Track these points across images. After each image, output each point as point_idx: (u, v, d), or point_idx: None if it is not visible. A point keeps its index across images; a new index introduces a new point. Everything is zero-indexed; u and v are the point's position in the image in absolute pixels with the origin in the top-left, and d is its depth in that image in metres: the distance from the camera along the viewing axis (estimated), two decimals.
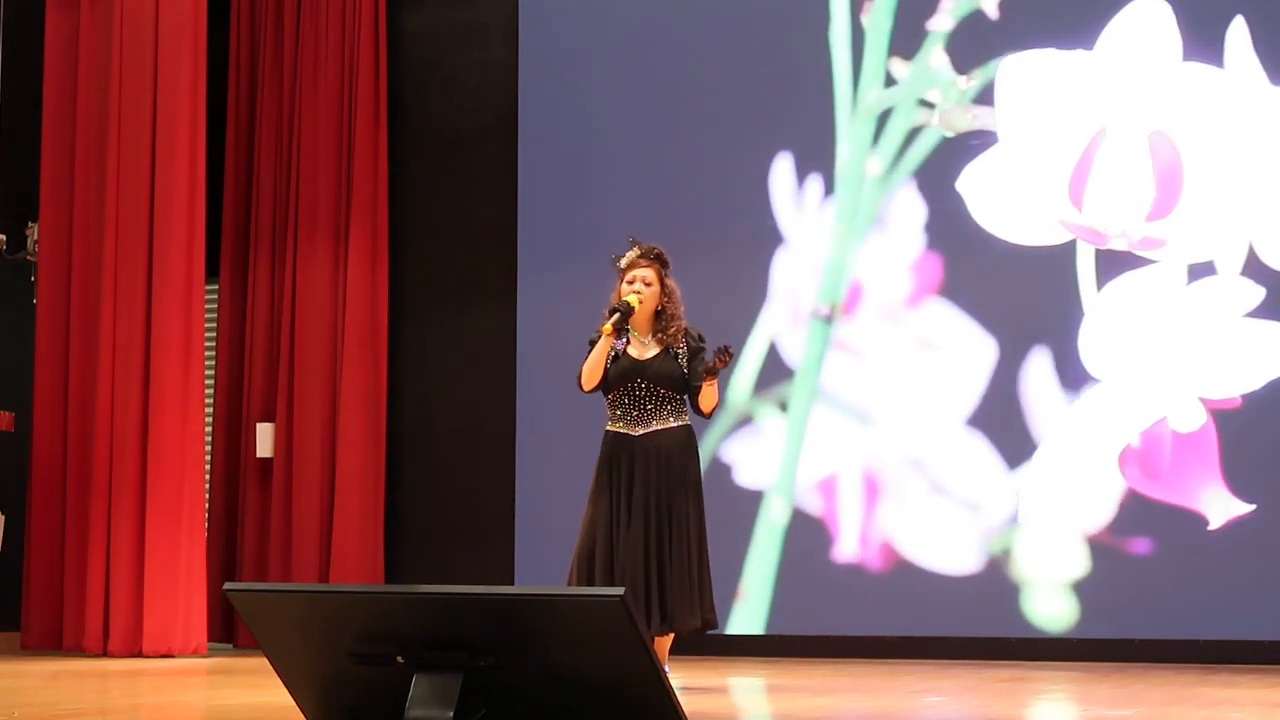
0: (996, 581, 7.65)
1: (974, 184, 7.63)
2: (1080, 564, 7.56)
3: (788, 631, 7.93)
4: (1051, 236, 7.52)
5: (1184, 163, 7.28)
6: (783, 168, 8.11)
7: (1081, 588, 7.55)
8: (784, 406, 7.98)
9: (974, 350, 7.78)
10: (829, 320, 7.94)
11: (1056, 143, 7.46)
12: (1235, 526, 7.30)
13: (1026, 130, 7.55)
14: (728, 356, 5.85)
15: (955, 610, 7.71)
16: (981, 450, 7.71)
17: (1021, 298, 7.70)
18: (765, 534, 7.94)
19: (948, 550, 7.73)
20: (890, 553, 7.80)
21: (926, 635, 7.76)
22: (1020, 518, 7.59)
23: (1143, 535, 7.48)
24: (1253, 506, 7.29)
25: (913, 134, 7.87)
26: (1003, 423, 7.69)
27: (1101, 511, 7.49)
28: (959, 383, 7.78)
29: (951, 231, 7.78)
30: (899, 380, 7.86)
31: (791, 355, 8.00)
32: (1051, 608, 7.59)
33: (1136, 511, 7.42)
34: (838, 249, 7.97)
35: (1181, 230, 7.31)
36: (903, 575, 7.77)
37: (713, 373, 5.95)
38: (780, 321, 8.04)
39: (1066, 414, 7.52)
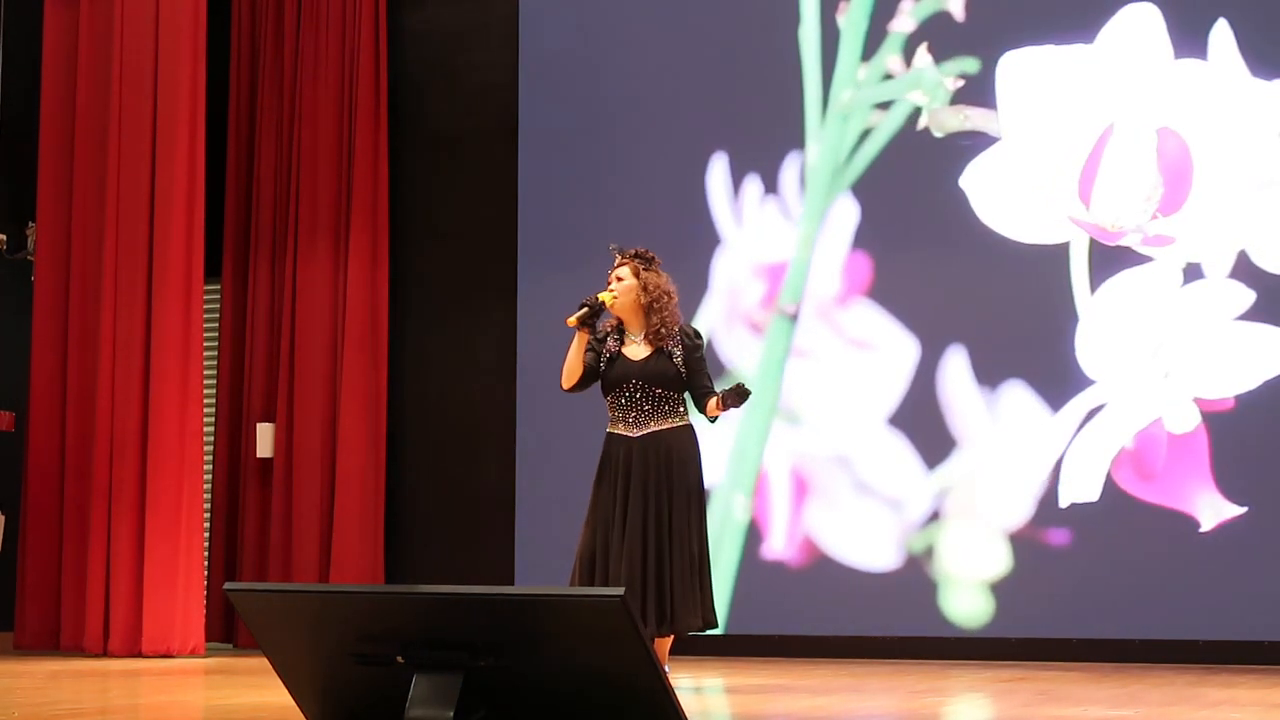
0: (917, 579, 7.67)
1: (976, 181, 7.64)
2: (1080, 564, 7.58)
3: (741, 631, 7.95)
4: (1050, 235, 7.52)
5: (1193, 159, 7.28)
6: (780, 168, 8.12)
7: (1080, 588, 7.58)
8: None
9: (906, 349, 7.82)
10: (794, 319, 7.96)
11: (1060, 139, 7.46)
12: (1222, 527, 7.32)
13: (1029, 126, 7.55)
14: (740, 398, 5.87)
15: (875, 607, 7.74)
16: (983, 451, 7.74)
17: (1017, 296, 7.70)
18: (724, 532, 7.93)
19: (868, 547, 7.79)
20: (812, 548, 7.84)
21: (865, 634, 7.79)
22: (1017, 516, 7.62)
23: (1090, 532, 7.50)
24: (1244, 509, 7.28)
25: (894, 135, 7.87)
26: (1001, 422, 7.71)
27: (1093, 509, 7.51)
28: (903, 382, 7.82)
29: (937, 231, 7.78)
30: (842, 379, 7.90)
31: (728, 355, 8.02)
32: (976, 604, 7.62)
33: (1121, 509, 7.43)
34: (803, 248, 7.97)
35: (1188, 227, 7.31)
36: (823, 571, 7.81)
37: (725, 407, 5.97)
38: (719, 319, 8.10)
39: (1066, 412, 7.53)
